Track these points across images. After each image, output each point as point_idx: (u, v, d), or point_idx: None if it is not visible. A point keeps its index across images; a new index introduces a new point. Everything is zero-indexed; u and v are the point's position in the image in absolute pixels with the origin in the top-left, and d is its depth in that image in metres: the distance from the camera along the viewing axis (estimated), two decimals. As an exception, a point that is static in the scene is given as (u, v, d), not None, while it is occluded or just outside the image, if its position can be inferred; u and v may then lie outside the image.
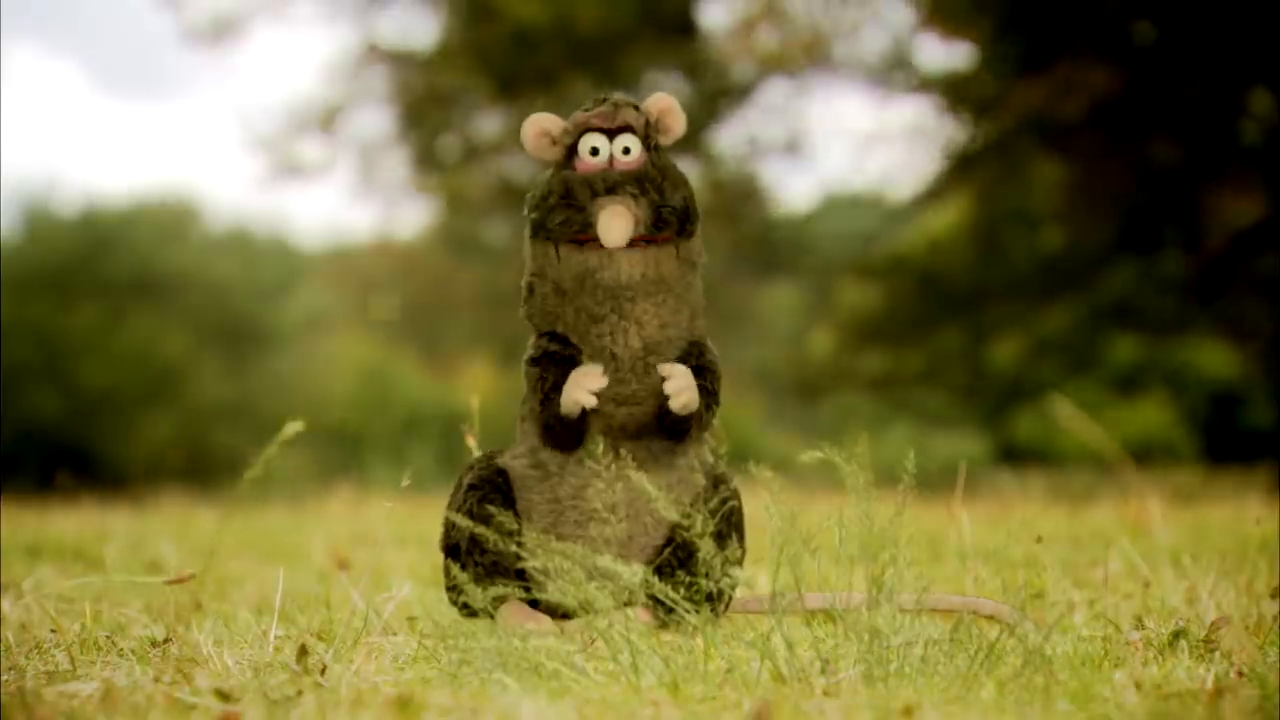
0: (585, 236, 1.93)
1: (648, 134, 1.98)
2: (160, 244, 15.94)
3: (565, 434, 1.97)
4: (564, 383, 1.96)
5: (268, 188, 21.04)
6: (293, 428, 1.76)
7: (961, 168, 11.49)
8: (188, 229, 16.82)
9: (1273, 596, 2.34)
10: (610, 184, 1.94)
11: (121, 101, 30.38)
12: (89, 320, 14.84)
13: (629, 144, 1.97)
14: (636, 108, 1.99)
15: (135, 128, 29.19)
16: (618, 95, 2.01)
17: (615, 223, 1.91)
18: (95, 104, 29.26)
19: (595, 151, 1.96)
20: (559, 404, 1.96)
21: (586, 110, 1.99)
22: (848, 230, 14.78)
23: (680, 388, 1.95)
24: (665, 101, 2.00)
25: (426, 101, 12.38)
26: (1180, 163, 10.61)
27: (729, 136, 12.39)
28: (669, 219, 1.94)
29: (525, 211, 2.00)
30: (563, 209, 1.94)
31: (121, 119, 29.11)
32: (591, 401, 1.94)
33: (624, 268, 1.94)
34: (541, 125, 2.00)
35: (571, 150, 1.98)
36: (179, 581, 2.19)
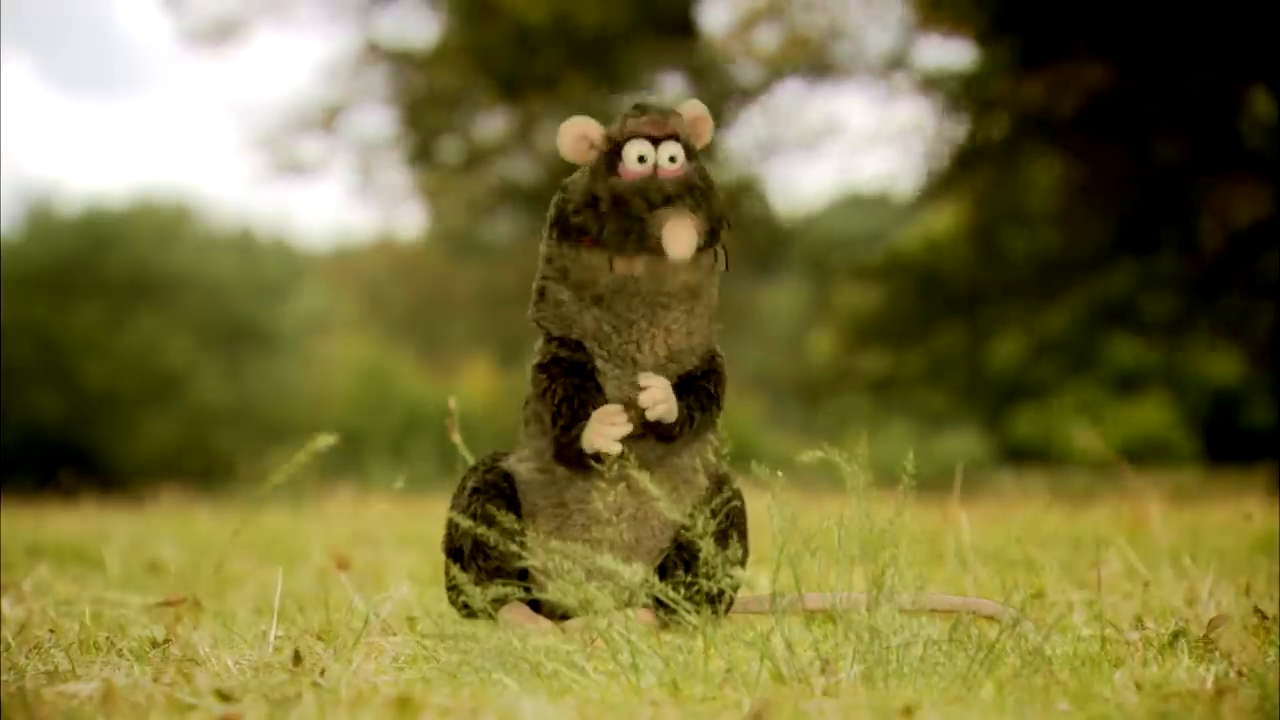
0: (643, 249, 1.89)
1: (688, 142, 1.95)
2: (161, 244, 15.95)
3: (580, 463, 1.94)
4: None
5: (258, 186, 21.04)
6: (324, 440, 1.76)
7: (961, 165, 11.50)
8: (188, 230, 16.81)
9: (1245, 594, 2.33)
10: (665, 195, 1.90)
11: (76, 100, 30.25)
12: (89, 320, 14.84)
13: (674, 152, 1.92)
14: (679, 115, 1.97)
15: (94, 127, 29.06)
16: (655, 101, 1.98)
17: (683, 235, 1.87)
18: (49, 102, 29.14)
19: (642, 159, 1.92)
20: (576, 435, 1.93)
21: (633, 117, 1.94)
22: (848, 231, 14.79)
23: (655, 400, 1.93)
24: (699, 109, 1.98)
25: (427, 102, 12.39)
26: (1179, 161, 10.61)
27: (731, 138, 12.40)
28: (719, 229, 1.93)
29: (561, 213, 1.95)
30: (617, 218, 1.90)
31: (77, 117, 28.98)
32: (617, 449, 1.91)
33: (672, 277, 1.91)
34: (581, 129, 1.95)
35: (613, 155, 1.93)
36: (171, 604, 2.19)
